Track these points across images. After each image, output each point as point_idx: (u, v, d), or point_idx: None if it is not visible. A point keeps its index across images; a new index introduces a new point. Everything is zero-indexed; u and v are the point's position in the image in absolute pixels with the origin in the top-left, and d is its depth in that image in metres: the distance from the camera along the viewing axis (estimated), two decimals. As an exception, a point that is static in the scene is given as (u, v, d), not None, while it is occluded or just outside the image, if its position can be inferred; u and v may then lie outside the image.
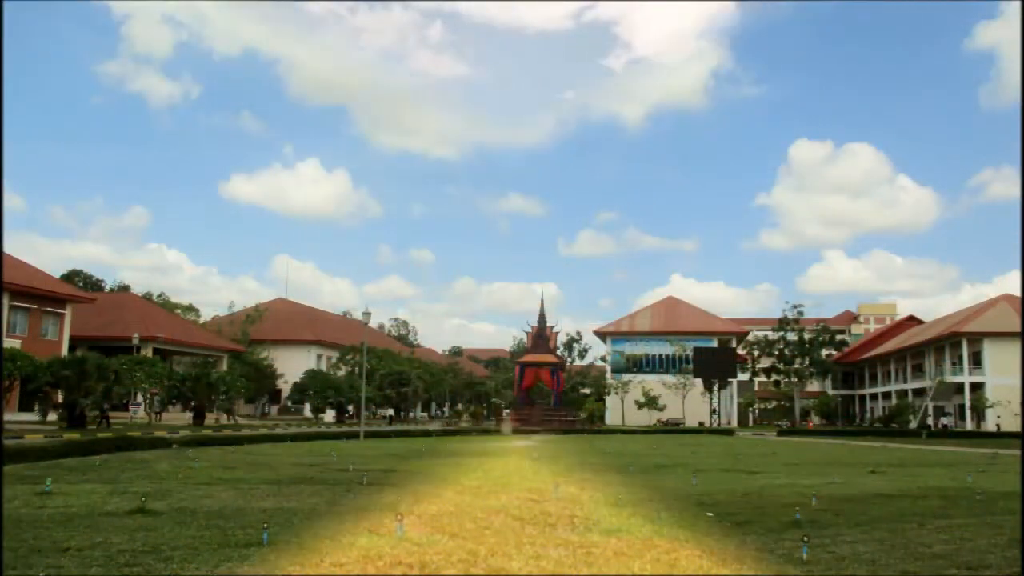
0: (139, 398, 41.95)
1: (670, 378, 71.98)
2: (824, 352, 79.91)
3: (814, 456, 25.36)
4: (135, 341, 47.30)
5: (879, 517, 9.71)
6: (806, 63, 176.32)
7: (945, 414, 68.33)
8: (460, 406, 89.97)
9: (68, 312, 48.57)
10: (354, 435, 32.00)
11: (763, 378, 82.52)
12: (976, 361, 65.91)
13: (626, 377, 75.86)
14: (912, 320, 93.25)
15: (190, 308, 77.75)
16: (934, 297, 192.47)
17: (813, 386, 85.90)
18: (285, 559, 6.61)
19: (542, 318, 61.05)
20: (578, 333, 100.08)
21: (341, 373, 65.95)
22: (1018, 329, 56.46)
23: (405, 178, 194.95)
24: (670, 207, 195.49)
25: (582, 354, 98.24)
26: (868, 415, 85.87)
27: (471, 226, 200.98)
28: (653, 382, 73.58)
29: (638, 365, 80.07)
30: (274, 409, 70.14)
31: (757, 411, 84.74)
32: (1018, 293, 63.92)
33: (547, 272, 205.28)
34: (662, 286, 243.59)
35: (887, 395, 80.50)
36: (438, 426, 52.07)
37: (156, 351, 52.75)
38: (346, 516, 9.03)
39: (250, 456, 19.88)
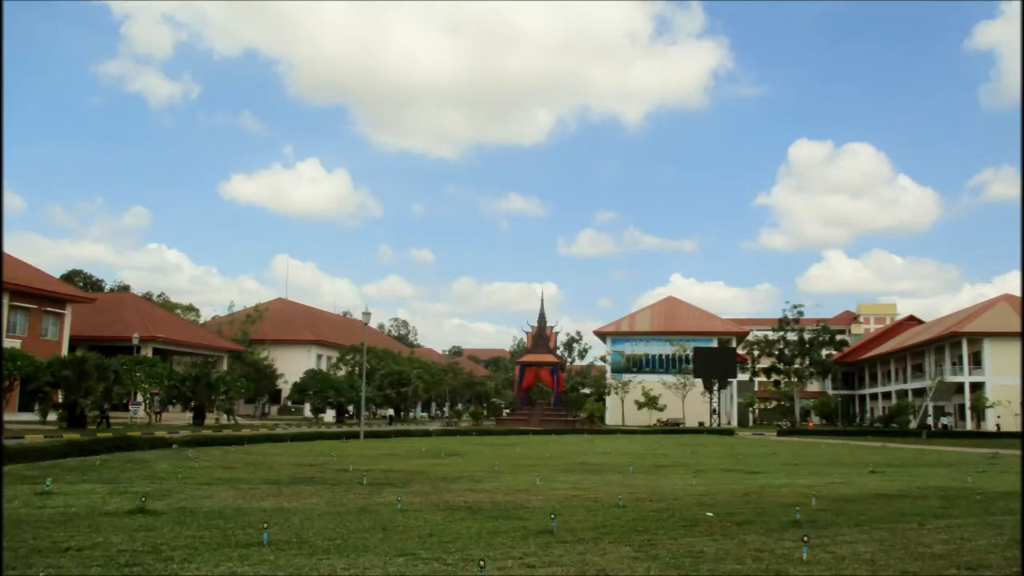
0: (139, 398, 41.82)
1: (670, 378, 71.92)
2: (824, 352, 79.78)
3: (814, 456, 25.38)
4: (135, 341, 47.23)
5: (879, 517, 9.70)
6: (806, 63, 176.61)
7: (945, 414, 68.26)
8: (460, 406, 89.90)
9: (68, 312, 48.50)
10: (354, 435, 31.98)
11: (763, 378, 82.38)
12: (976, 361, 65.85)
13: (626, 377, 75.83)
14: (912, 320, 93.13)
15: (190, 308, 77.61)
16: (934, 297, 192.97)
17: (813, 386, 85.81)
18: (285, 559, 6.61)
19: (542, 318, 61.00)
20: (578, 333, 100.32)
21: (341, 373, 65.86)
22: (1018, 329, 56.39)
23: (405, 178, 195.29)
24: (670, 207, 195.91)
25: (582, 354, 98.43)
26: (868, 415, 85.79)
27: (471, 226, 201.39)
28: (653, 382, 73.54)
29: (638, 365, 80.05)
30: (274, 409, 70.09)
31: (757, 411, 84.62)
32: (1018, 293, 63.93)
33: (547, 272, 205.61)
34: (662, 286, 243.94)
35: (887, 395, 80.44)
36: (438, 426, 52.05)
37: (156, 351, 52.70)
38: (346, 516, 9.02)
39: (250, 456, 19.89)
